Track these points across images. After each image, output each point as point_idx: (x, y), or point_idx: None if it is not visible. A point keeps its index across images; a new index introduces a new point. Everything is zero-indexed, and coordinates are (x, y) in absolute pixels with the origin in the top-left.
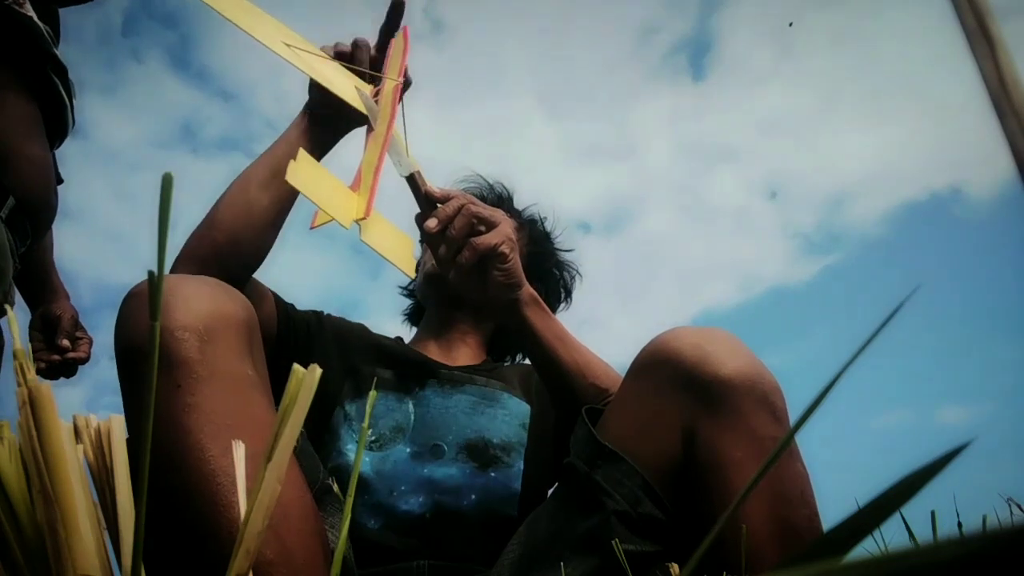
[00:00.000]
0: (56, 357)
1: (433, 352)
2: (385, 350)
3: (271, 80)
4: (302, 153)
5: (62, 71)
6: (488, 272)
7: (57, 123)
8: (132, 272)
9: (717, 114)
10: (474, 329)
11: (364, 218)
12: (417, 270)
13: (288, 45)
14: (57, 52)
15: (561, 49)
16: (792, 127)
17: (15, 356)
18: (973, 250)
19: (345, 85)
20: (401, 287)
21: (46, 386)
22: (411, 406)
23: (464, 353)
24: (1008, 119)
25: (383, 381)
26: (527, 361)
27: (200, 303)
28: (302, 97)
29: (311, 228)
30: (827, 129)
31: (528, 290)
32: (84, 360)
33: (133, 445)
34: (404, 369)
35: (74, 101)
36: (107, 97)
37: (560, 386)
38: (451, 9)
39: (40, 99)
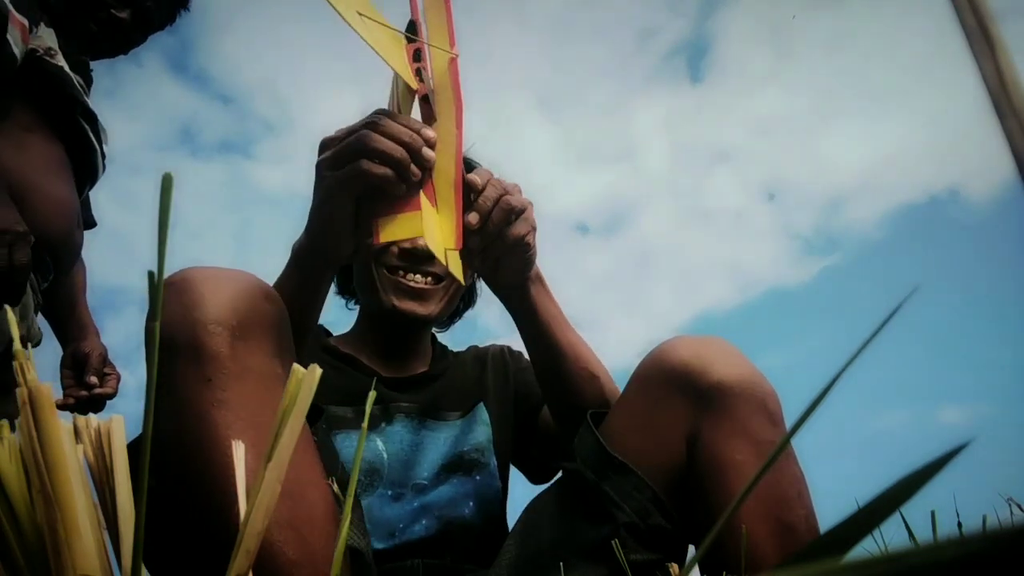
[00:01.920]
0: (84, 393)
1: (380, 361)
2: (335, 386)
3: (269, 84)
4: (427, 209)
5: (92, 117)
6: (508, 258)
7: (86, 167)
8: (132, 274)
9: (715, 116)
10: (423, 336)
11: (456, 249)
12: (374, 289)
13: (360, 14)
14: (87, 100)
15: (560, 51)
16: (790, 129)
17: (15, 356)
18: (971, 252)
19: (407, 65)
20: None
21: (46, 386)
22: (379, 443)
23: (413, 356)
24: (1008, 119)
25: (343, 420)
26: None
27: (234, 298)
28: (299, 101)
29: (375, 244)
30: (825, 131)
31: (536, 270)
32: (111, 396)
33: (143, 446)
34: (363, 405)
35: (105, 147)
36: (106, 100)
37: (554, 371)
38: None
39: (69, 144)
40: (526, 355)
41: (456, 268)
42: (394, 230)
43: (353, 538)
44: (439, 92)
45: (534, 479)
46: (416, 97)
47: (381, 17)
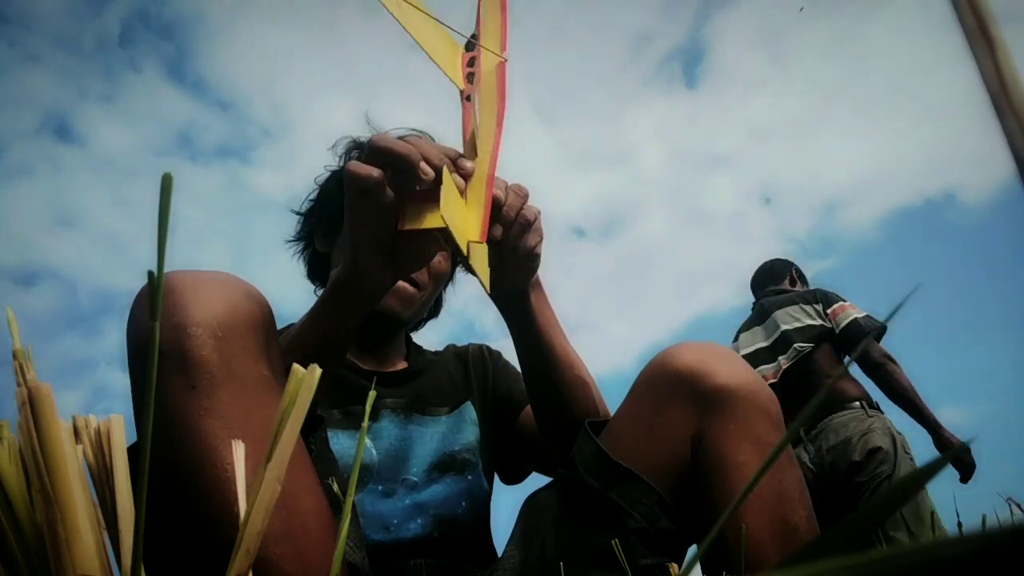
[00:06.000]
0: None
1: (359, 356)
2: (321, 388)
3: (267, 90)
4: (446, 175)
5: None
6: (516, 268)
7: None
8: (132, 278)
9: (711, 121)
10: (399, 334)
11: (480, 242)
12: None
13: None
14: None
15: (556, 57)
16: (785, 133)
17: (15, 356)
18: (967, 253)
19: (450, 57)
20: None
21: (46, 386)
22: (368, 440)
23: (392, 352)
24: (1007, 119)
25: (333, 421)
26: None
27: (216, 300)
28: (297, 107)
29: (399, 229)
30: (820, 135)
31: (536, 276)
32: None
33: (142, 444)
34: (351, 404)
35: None
36: (105, 105)
37: (548, 377)
38: (447, 18)
39: None
40: (504, 355)
41: (479, 261)
42: (417, 219)
43: (350, 553)
44: (484, 91)
45: (507, 480)
46: (462, 97)
47: (425, 8)
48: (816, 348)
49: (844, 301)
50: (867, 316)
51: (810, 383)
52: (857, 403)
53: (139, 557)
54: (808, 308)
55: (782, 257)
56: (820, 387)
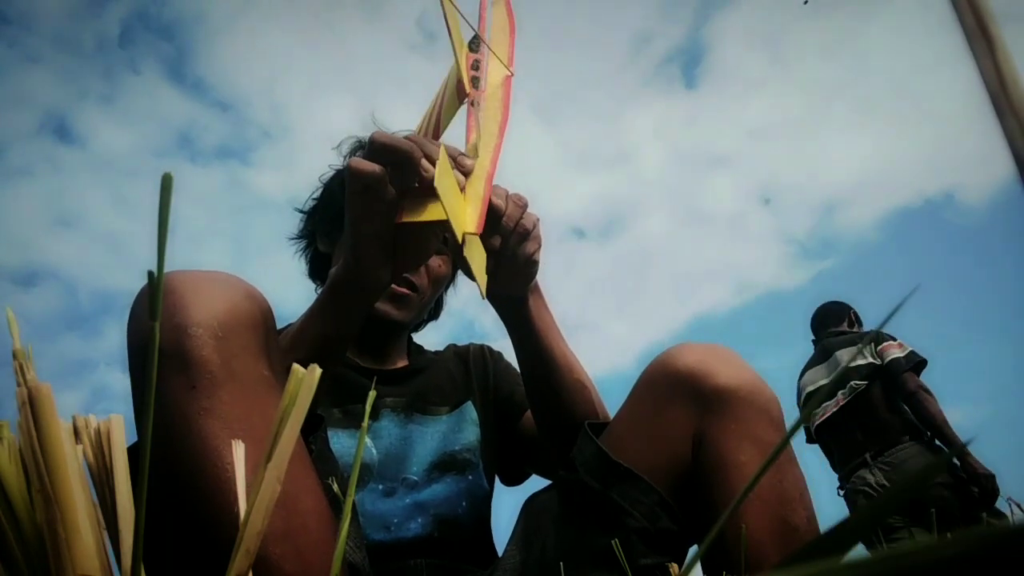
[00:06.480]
0: None
1: (359, 355)
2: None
3: (267, 92)
4: (443, 152)
5: None
6: (514, 275)
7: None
8: (132, 278)
9: (711, 121)
10: (399, 335)
11: (476, 233)
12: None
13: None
14: None
15: (556, 57)
16: (786, 133)
17: (15, 356)
18: (967, 254)
19: (467, 68)
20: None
21: (46, 386)
22: (369, 441)
23: (392, 351)
24: (1007, 119)
25: (333, 421)
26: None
27: (216, 300)
28: (296, 108)
29: (397, 222)
30: (820, 135)
31: (534, 281)
32: None
33: (142, 444)
34: (351, 403)
35: None
36: (105, 106)
37: (547, 381)
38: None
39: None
40: (505, 356)
41: (475, 256)
42: (417, 211)
43: (350, 553)
44: (489, 101)
45: (507, 481)
46: (467, 101)
47: (456, 13)
48: (871, 384)
49: (892, 340)
50: (910, 353)
51: (867, 416)
52: (907, 436)
53: (139, 557)
54: (864, 348)
55: (839, 300)
56: (877, 418)
